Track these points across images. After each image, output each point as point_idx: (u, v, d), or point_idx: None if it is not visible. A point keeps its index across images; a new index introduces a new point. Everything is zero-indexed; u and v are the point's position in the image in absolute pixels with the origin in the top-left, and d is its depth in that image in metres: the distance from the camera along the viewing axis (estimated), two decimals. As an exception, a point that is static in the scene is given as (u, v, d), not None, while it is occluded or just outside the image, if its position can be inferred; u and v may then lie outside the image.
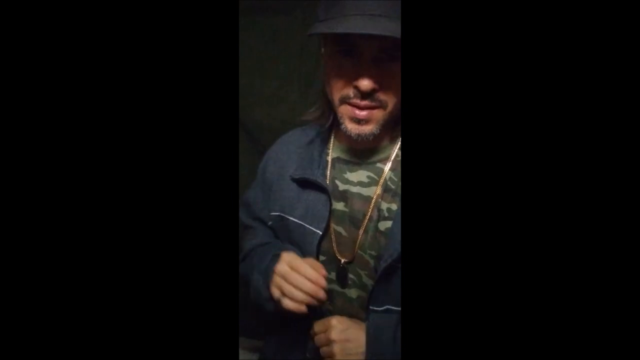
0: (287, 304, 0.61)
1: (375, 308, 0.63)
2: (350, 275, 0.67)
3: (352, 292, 0.67)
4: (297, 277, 0.60)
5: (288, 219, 0.69)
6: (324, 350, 0.63)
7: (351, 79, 0.57)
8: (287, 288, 0.60)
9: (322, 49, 0.63)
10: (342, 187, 0.66)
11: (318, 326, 0.65)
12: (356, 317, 0.66)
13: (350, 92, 0.58)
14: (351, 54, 0.56)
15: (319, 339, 0.64)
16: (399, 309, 0.61)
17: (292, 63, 1.17)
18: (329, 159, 0.68)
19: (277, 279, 0.62)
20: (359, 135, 0.61)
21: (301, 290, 0.59)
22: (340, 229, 0.66)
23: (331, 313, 0.68)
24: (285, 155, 0.76)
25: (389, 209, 0.62)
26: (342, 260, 0.66)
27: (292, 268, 0.61)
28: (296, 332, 0.73)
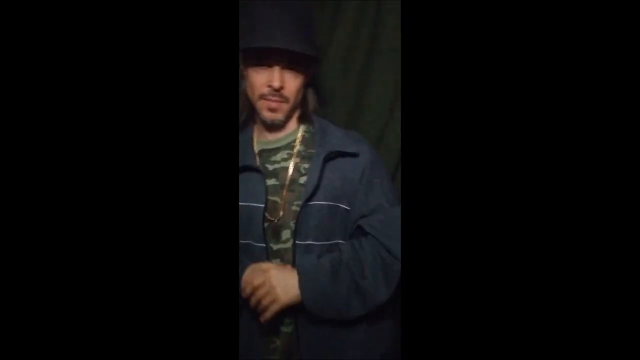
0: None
1: (299, 242, 0.85)
2: (283, 232, 0.88)
3: (286, 243, 0.88)
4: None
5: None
6: (266, 299, 0.79)
7: (266, 81, 0.86)
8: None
9: (241, 65, 0.89)
10: (271, 167, 0.91)
11: (257, 280, 0.79)
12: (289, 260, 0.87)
13: (265, 90, 0.86)
14: (264, 64, 0.86)
15: (261, 292, 0.79)
16: (320, 243, 0.84)
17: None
18: (256, 151, 0.93)
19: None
20: (272, 120, 0.88)
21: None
22: (275, 198, 0.88)
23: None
24: None
25: (304, 168, 0.88)
26: (276, 219, 0.87)
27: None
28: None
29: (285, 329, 0.83)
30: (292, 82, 0.86)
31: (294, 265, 0.83)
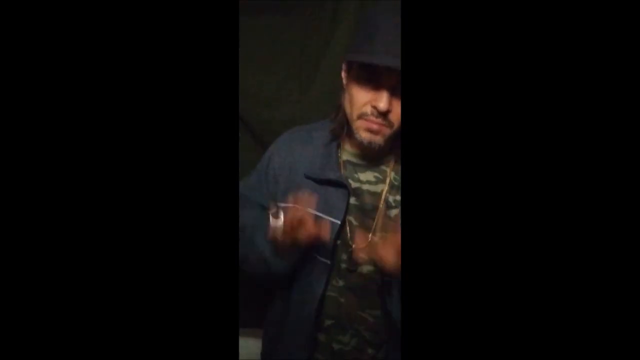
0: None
1: (387, 279, 0.77)
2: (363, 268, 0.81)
3: (364, 268, 0.81)
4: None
5: (305, 210, 0.80)
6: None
7: (371, 100, 0.74)
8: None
9: (344, 73, 0.80)
10: (353, 185, 0.82)
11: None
12: (367, 287, 0.81)
13: (369, 110, 0.75)
14: (372, 82, 0.74)
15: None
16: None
17: (292, 63, 1.17)
18: (341, 161, 0.83)
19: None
20: (370, 142, 0.78)
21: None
22: (351, 218, 0.81)
23: (344, 289, 0.82)
24: (292, 151, 0.88)
25: (395, 200, 0.80)
26: (353, 246, 0.80)
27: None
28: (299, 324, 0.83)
29: None
30: (399, 107, 0.75)
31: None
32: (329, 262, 0.79)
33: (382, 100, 0.73)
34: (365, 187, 0.82)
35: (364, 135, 0.78)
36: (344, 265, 0.82)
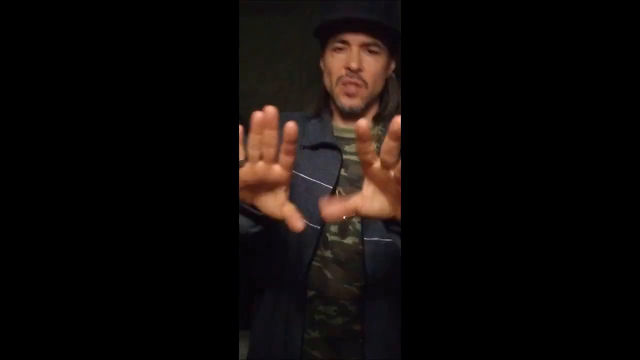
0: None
1: (367, 238, 0.79)
2: (349, 227, 0.82)
3: (349, 239, 0.81)
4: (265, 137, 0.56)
5: (298, 175, 0.81)
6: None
7: (344, 63, 0.79)
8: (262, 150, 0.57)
9: (321, 58, 0.84)
10: (343, 156, 0.84)
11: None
12: (352, 258, 0.80)
13: (343, 72, 0.79)
14: (343, 49, 0.79)
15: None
16: (388, 240, 0.76)
17: (292, 63, 1.17)
18: (332, 128, 0.86)
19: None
20: (350, 107, 0.81)
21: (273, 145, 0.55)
22: (340, 189, 0.82)
23: (329, 260, 0.81)
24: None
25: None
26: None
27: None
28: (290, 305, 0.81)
29: None
30: (371, 64, 0.79)
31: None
32: (319, 227, 0.79)
33: (353, 59, 0.77)
34: (352, 157, 0.84)
35: (344, 101, 0.81)
36: (332, 236, 0.81)
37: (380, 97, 0.86)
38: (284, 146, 0.54)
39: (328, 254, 0.81)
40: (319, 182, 0.81)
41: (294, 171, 0.70)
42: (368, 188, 0.58)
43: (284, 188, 0.58)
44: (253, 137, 0.53)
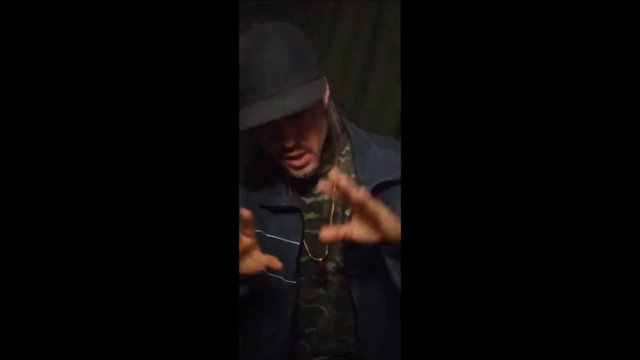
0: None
1: (351, 272, 0.77)
2: (329, 272, 0.80)
3: (331, 289, 0.80)
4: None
5: (264, 235, 0.79)
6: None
7: (279, 142, 0.72)
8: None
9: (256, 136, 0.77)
10: (308, 200, 0.80)
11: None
12: (339, 305, 0.80)
13: (283, 151, 0.73)
14: (271, 132, 0.72)
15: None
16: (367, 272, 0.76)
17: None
18: (288, 183, 0.81)
19: None
20: (304, 175, 0.75)
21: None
22: (315, 232, 0.76)
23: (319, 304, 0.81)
24: (244, 184, 0.84)
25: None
26: (320, 259, 0.79)
27: None
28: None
29: None
30: (309, 128, 0.72)
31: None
32: (294, 282, 0.77)
33: (285, 138, 0.71)
34: (320, 197, 0.80)
35: (295, 173, 0.75)
36: (314, 278, 0.80)
37: (328, 137, 0.79)
38: (243, 231, 0.67)
39: (315, 295, 0.80)
40: (286, 240, 0.78)
41: (262, 232, 0.79)
42: (355, 217, 0.68)
43: (256, 249, 0.70)
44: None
